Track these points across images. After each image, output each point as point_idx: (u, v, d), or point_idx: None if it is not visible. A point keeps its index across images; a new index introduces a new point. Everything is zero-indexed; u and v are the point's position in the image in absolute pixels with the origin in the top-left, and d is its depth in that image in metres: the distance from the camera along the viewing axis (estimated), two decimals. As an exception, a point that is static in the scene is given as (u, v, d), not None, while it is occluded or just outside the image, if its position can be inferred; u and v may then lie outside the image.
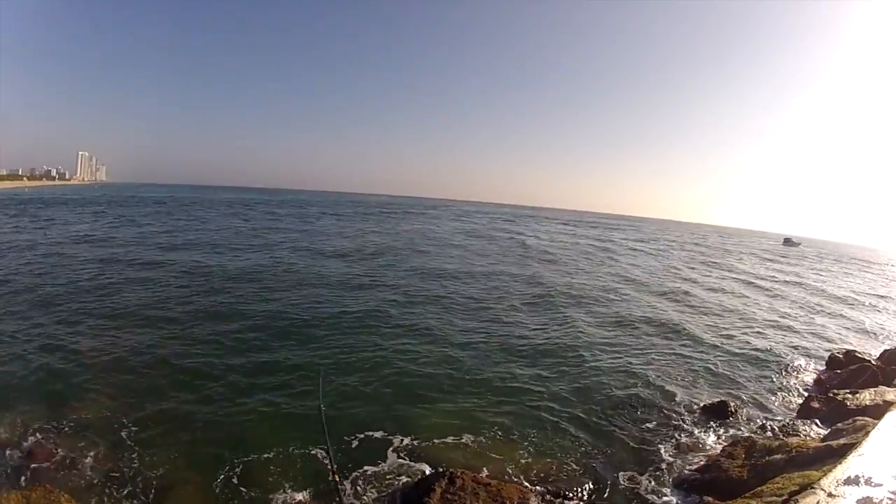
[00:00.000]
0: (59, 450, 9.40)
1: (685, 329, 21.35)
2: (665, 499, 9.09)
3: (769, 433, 11.39)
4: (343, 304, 21.18)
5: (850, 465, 6.79)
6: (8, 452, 9.27)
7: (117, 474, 8.98)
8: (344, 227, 60.78)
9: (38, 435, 9.84)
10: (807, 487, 6.50)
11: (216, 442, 10.24)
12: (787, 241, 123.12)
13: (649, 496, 9.13)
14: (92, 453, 9.50)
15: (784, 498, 6.70)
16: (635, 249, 61.58)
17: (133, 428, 10.49)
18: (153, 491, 8.58)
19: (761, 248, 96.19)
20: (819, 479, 6.58)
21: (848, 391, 12.89)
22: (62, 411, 10.88)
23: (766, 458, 8.91)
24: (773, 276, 46.28)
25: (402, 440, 10.71)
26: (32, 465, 8.90)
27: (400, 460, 10.07)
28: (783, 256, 78.87)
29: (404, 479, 9.31)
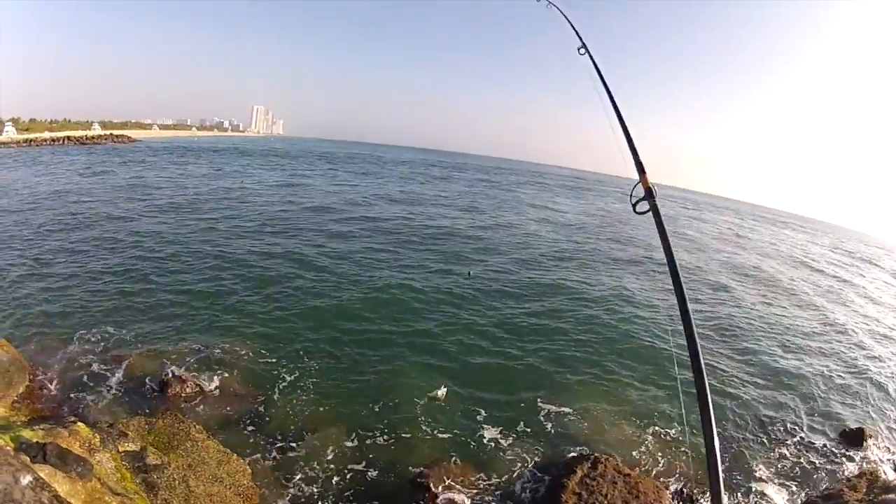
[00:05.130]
0: (198, 384, 9.69)
1: (856, 346, 19.68)
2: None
3: (892, 470, 11.00)
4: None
5: None
6: (147, 382, 9.67)
7: (257, 413, 9.24)
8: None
9: (179, 368, 10.23)
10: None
11: (367, 395, 10.38)
12: None
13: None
14: (232, 390, 9.80)
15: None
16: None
17: (283, 371, 10.78)
18: (289, 435, 8.74)
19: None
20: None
21: None
22: (211, 348, 11.33)
23: (884, 496, 8.64)
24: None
25: (557, 408, 10.88)
26: (167, 396, 9.24)
27: (551, 427, 10.26)
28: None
29: (550, 449, 9.52)
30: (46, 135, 79.12)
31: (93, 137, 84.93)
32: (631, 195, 3.09)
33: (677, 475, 9.37)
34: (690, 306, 2.21)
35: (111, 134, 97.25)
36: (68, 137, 78.48)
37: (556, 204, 54.08)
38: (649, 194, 3.01)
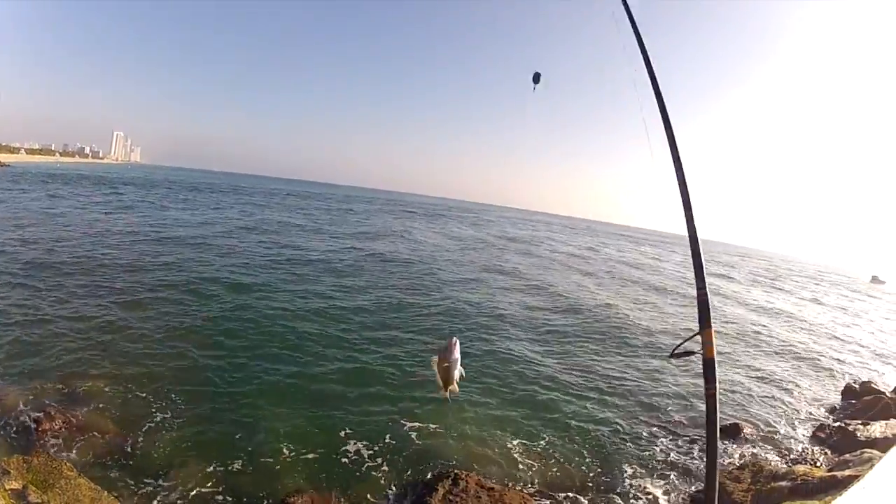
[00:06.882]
0: (67, 421, 9.41)
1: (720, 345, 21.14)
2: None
3: (777, 459, 11.31)
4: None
5: (850, 499, 6.64)
6: (17, 419, 9.33)
7: (124, 449, 9.04)
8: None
9: (48, 404, 9.86)
10: (806, 517, 6.40)
11: (229, 424, 10.30)
12: (875, 279, 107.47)
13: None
14: (101, 427, 9.51)
15: (785, 525, 6.63)
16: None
17: (147, 406, 10.58)
18: (156, 469, 8.58)
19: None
20: (818, 510, 6.48)
21: (859, 422, 12.72)
22: (77, 384, 10.97)
23: (772, 483, 8.81)
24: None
25: (422, 423, 11.01)
26: (38, 433, 8.94)
27: (416, 440, 10.40)
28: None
29: (411, 470, 9.44)
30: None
31: (-38, 160, 79.96)
32: (680, 346, 2.86)
33: (545, 484, 9.54)
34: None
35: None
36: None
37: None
38: (709, 370, 2.63)
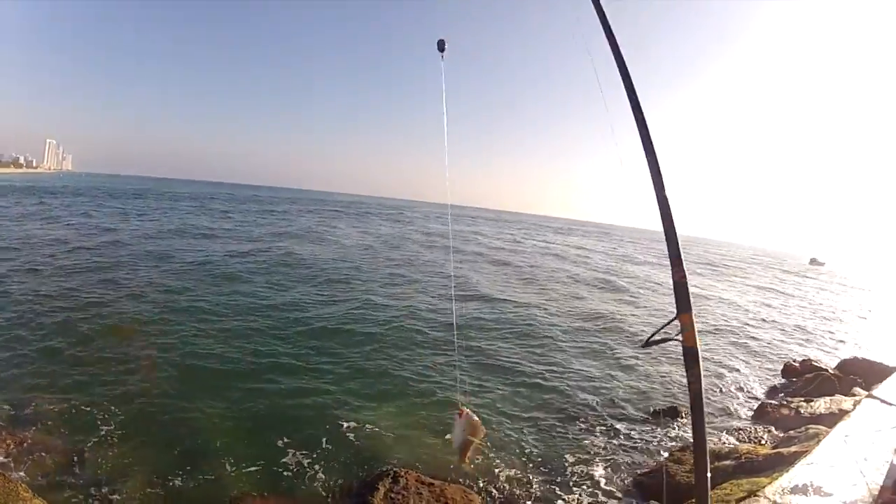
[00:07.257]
0: (17, 441, 9.30)
1: (644, 331, 21.23)
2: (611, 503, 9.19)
3: (719, 439, 11.48)
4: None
5: (798, 473, 6.79)
6: None
7: (72, 466, 8.99)
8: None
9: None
10: (752, 494, 6.46)
11: (169, 432, 10.28)
12: (814, 261, 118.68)
13: (595, 500, 9.16)
14: (49, 446, 9.41)
15: (730, 504, 6.61)
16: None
17: (92, 419, 10.46)
18: (103, 484, 8.55)
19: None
20: (764, 487, 6.56)
21: (803, 399, 13.01)
22: (22, 401, 10.80)
23: (715, 463, 8.74)
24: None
25: (357, 424, 10.96)
26: None
27: (354, 442, 10.35)
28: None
29: (350, 472, 9.40)
30: None
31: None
32: (657, 332, 2.62)
33: (485, 475, 9.54)
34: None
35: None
36: None
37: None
38: (691, 358, 2.39)
